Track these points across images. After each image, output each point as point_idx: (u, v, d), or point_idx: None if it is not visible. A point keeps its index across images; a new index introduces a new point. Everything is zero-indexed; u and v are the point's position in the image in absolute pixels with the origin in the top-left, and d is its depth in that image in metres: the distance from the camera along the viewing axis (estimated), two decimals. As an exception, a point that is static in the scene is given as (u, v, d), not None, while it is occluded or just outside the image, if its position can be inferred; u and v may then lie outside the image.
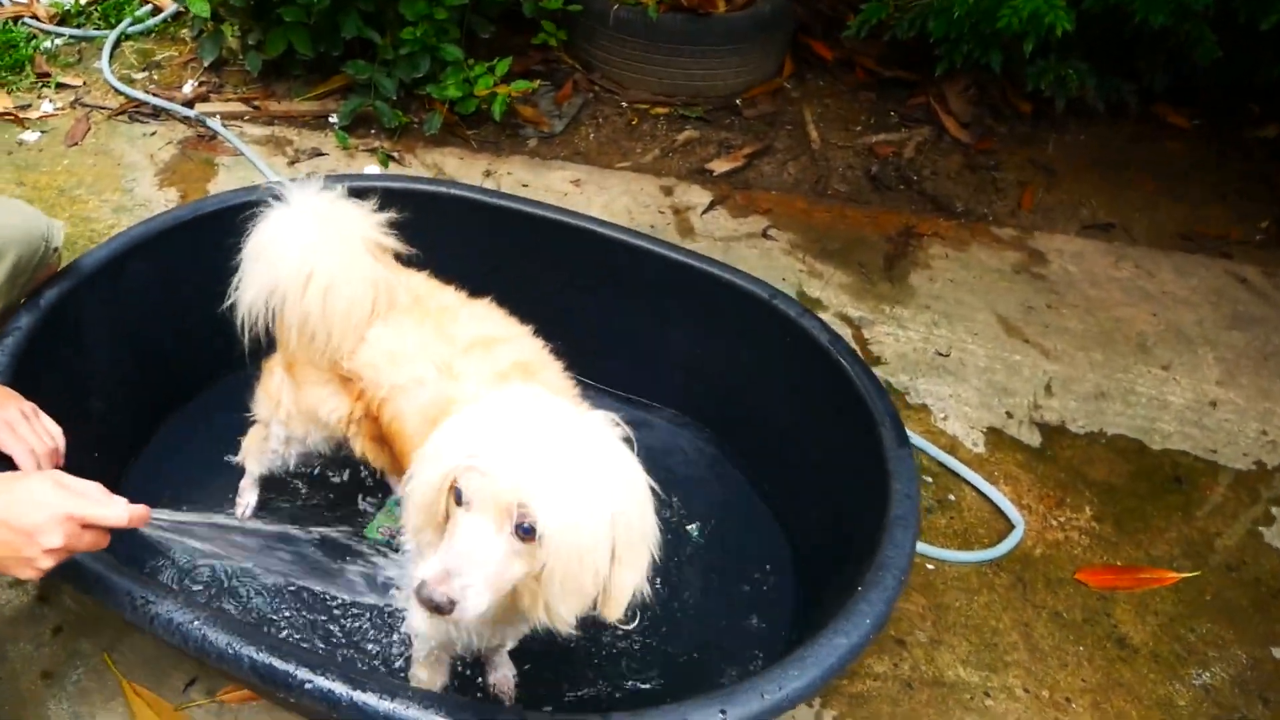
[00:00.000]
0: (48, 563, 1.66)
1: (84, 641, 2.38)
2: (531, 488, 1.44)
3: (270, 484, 2.70)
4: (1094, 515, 2.98)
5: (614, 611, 1.57)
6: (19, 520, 1.63)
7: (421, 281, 2.22)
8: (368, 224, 2.13)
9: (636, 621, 1.65)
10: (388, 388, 1.99)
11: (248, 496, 2.66)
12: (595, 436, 1.54)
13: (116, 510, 1.71)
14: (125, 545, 1.88)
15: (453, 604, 1.45)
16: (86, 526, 1.68)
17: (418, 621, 1.97)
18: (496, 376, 1.90)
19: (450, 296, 2.17)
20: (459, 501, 1.50)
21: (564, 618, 1.56)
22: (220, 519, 1.99)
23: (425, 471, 1.54)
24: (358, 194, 2.21)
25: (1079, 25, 3.76)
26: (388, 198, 2.21)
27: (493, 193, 2.91)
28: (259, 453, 2.53)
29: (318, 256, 2.03)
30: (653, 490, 1.58)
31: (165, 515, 1.84)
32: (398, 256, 2.22)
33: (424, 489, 1.55)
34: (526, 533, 1.46)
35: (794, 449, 2.74)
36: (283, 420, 2.34)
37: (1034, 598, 2.74)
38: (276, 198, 2.12)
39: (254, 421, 2.50)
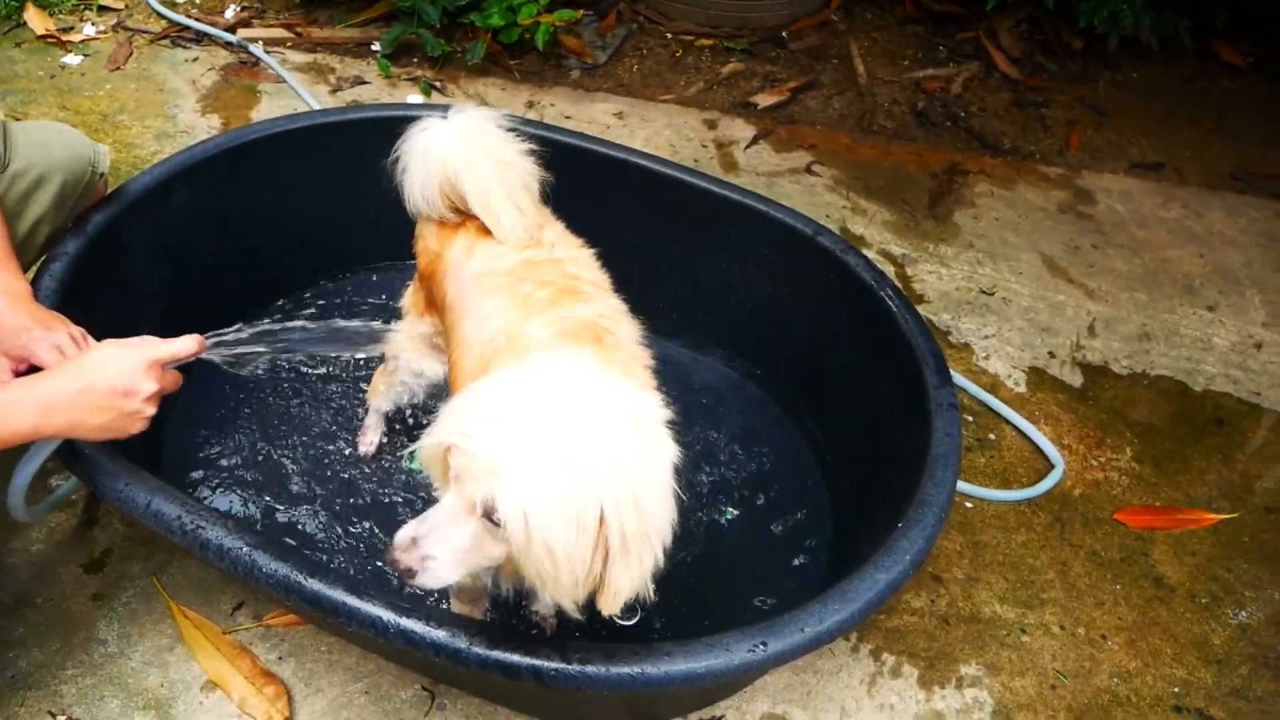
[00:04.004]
0: (151, 409, 1.79)
1: (134, 564, 2.42)
2: (502, 476, 1.38)
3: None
4: (1134, 456, 2.97)
5: (609, 606, 1.49)
6: (111, 383, 1.73)
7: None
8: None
9: (636, 619, 1.59)
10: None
11: (372, 435, 2.70)
12: (607, 425, 1.46)
13: (185, 344, 1.84)
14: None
15: (412, 572, 1.46)
16: (164, 367, 1.81)
17: None
18: (561, 333, 1.85)
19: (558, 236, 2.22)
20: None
21: (561, 602, 1.51)
22: (266, 325, 2.03)
23: (429, 434, 1.50)
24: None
25: (1135, -41, 3.68)
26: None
27: (534, 124, 2.89)
28: (386, 388, 2.54)
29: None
30: (677, 493, 1.51)
31: (216, 336, 1.95)
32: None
33: (427, 451, 1.53)
34: (497, 520, 1.41)
35: (835, 385, 2.73)
36: (410, 355, 2.38)
37: (1072, 537, 2.73)
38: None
39: (382, 360, 2.53)
